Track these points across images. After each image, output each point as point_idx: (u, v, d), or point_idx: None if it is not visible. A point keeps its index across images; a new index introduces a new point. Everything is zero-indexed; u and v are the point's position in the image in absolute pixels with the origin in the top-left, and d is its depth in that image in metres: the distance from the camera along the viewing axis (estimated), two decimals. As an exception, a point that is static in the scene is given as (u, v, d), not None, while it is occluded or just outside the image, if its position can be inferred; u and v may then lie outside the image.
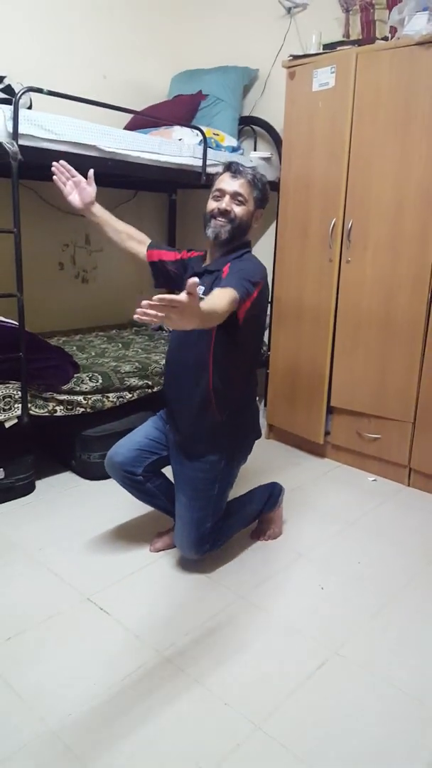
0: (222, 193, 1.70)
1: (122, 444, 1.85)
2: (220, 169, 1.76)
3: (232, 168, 1.71)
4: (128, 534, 2.09)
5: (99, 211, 1.86)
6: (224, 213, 1.68)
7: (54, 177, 1.81)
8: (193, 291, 1.11)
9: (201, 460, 1.76)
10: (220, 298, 1.45)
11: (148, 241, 1.94)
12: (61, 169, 1.80)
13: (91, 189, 1.81)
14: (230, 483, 1.84)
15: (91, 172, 1.81)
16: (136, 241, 1.92)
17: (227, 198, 1.69)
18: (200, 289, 1.63)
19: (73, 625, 1.63)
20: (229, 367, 1.72)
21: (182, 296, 1.10)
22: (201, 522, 1.77)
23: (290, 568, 1.92)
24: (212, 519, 1.79)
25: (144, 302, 1.08)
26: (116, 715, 1.34)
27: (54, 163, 1.80)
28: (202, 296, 1.59)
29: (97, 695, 1.39)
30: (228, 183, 1.69)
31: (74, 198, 1.81)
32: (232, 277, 1.58)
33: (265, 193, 1.75)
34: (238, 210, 1.69)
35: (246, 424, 1.87)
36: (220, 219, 1.69)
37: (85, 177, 1.82)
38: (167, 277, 1.91)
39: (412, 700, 1.41)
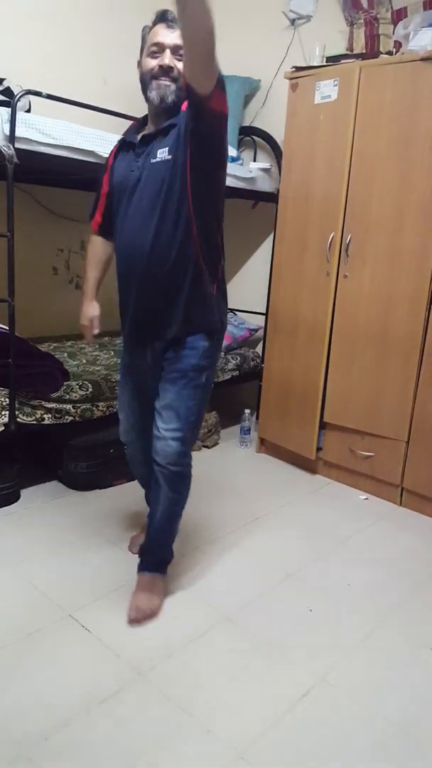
0: (160, 47, 1.46)
1: (129, 439, 1.83)
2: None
3: (167, 17, 1.47)
4: (113, 548, 2.04)
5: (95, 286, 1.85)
6: (167, 71, 1.46)
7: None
8: None
9: (192, 348, 1.60)
10: None
11: (98, 238, 1.81)
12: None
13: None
14: (213, 370, 1.72)
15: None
16: (104, 253, 1.82)
17: (168, 53, 1.46)
18: (164, 151, 1.48)
19: (53, 642, 1.57)
20: (209, 217, 1.54)
21: None
22: (189, 413, 1.62)
23: (278, 589, 1.88)
24: (197, 413, 1.65)
25: None
26: (93, 741, 1.29)
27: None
28: (168, 158, 1.47)
29: (75, 718, 1.34)
30: (165, 35, 1.46)
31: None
32: None
33: None
34: (182, 66, 1.42)
35: (225, 295, 1.70)
36: (163, 79, 1.47)
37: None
38: (108, 204, 1.70)
39: (399, 731, 1.37)
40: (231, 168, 2.89)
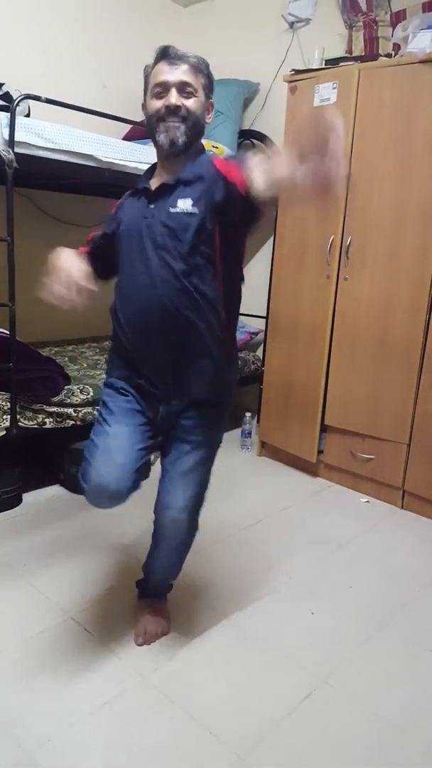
0: (164, 86, 1.34)
1: (111, 472, 1.37)
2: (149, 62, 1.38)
3: (169, 53, 1.35)
4: (115, 551, 2.04)
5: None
6: (174, 111, 1.34)
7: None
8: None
9: (218, 411, 1.49)
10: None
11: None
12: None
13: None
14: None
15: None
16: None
17: (173, 92, 1.34)
18: (187, 202, 1.33)
19: (55, 645, 1.58)
20: (233, 276, 1.43)
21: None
22: (205, 479, 1.52)
23: (279, 591, 1.87)
24: (209, 478, 1.56)
25: None
26: (95, 742, 1.29)
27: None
28: (193, 211, 1.33)
29: (77, 720, 1.34)
30: (169, 73, 1.34)
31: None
32: (242, 160, 1.27)
33: (211, 77, 1.43)
34: (190, 104, 1.35)
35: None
36: (171, 120, 1.34)
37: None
38: (104, 254, 1.48)
39: (401, 733, 1.36)
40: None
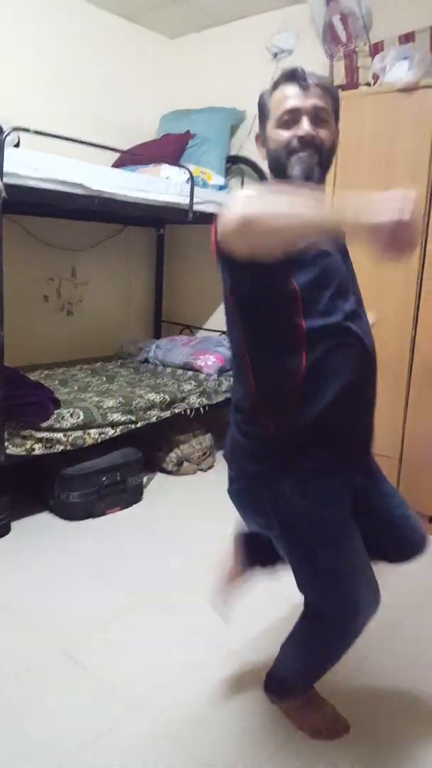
0: (295, 114, 1.13)
1: (376, 593, 1.30)
2: (268, 85, 1.19)
3: (298, 74, 1.14)
4: (107, 580, 2.01)
5: None
6: (309, 142, 1.13)
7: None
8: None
9: None
10: None
11: None
12: None
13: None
14: None
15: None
16: None
17: (305, 120, 1.13)
18: None
19: (47, 679, 1.54)
20: None
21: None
22: None
23: (280, 617, 1.83)
24: None
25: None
26: (87, 782, 1.26)
27: None
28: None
29: (68, 757, 1.31)
30: (300, 97, 1.13)
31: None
32: None
33: (339, 100, 1.21)
34: (323, 134, 1.15)
35: None
36: (304, 152, 1.14)
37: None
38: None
39: (394, 750, 1.34)
40: (218, 196, 2.94)
